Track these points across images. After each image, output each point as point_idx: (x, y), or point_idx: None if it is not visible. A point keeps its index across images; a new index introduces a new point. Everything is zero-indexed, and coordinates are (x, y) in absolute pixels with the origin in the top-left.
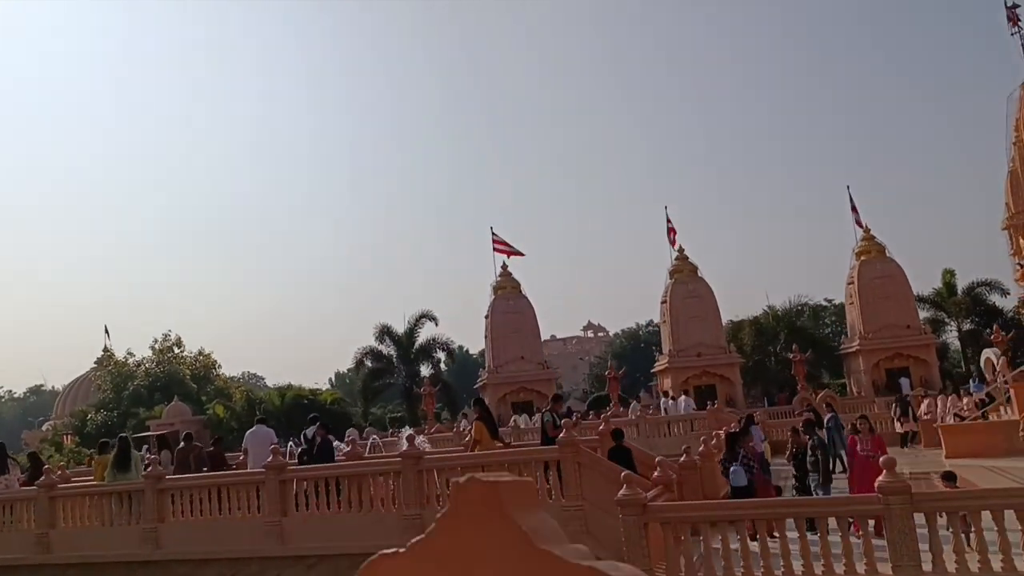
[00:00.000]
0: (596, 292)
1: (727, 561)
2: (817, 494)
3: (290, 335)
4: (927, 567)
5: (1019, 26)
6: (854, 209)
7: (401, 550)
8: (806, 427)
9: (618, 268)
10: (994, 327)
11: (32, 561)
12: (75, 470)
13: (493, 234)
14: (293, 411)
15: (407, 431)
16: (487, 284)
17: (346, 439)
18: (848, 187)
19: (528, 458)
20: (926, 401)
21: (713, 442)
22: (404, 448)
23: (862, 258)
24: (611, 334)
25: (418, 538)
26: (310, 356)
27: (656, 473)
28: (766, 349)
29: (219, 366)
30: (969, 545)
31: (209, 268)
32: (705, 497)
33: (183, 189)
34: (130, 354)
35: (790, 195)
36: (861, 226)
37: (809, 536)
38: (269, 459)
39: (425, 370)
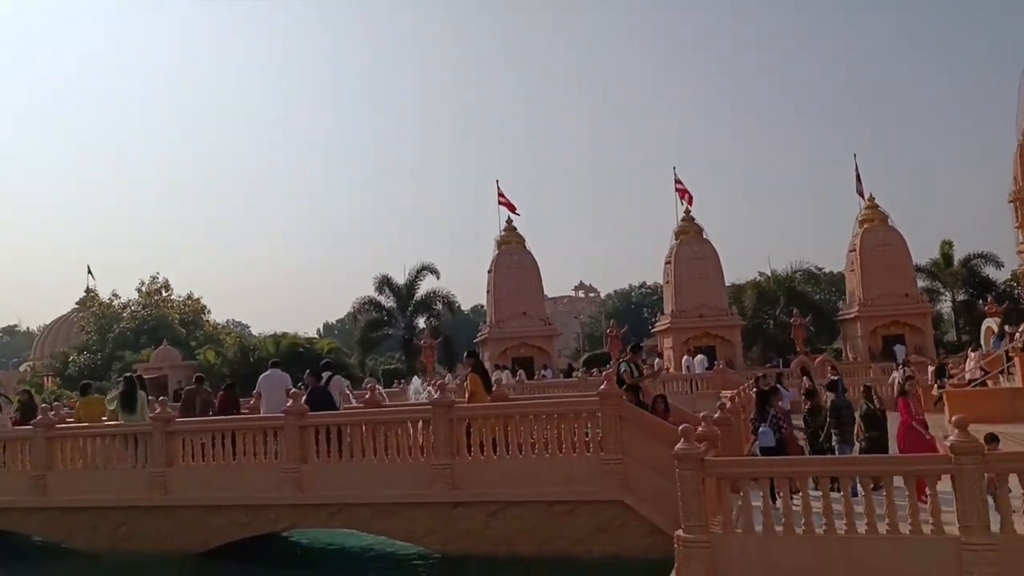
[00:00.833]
0: (588, 253)
1: (787, 519)
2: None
3: (277, 284)
4: (994, 528)
5: None
6: (858, 178)
7: None
8: (829, 387)
9: (613, 230)
10: (988, 298)
11: (27, 504)
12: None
13: (499, 187)
14: (289, 359)
15: (416, 381)
16: (490, 238)
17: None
18: (855, 156)
19: (567, 409)
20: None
21: (720, 402)
22: (414, 397)
23: (865, 226)
24: (602, 295)
25: None
26: (297, 305)
27: (700, 428)
28: (765, 312)
29: (208, 312)
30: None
31: (198, 212)
32: (732, 455)
33: (173, 128)
34: (115, 295)
35: (796, 163)
36: (864, 195)
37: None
38: (289, 403)
39: (424, 323)
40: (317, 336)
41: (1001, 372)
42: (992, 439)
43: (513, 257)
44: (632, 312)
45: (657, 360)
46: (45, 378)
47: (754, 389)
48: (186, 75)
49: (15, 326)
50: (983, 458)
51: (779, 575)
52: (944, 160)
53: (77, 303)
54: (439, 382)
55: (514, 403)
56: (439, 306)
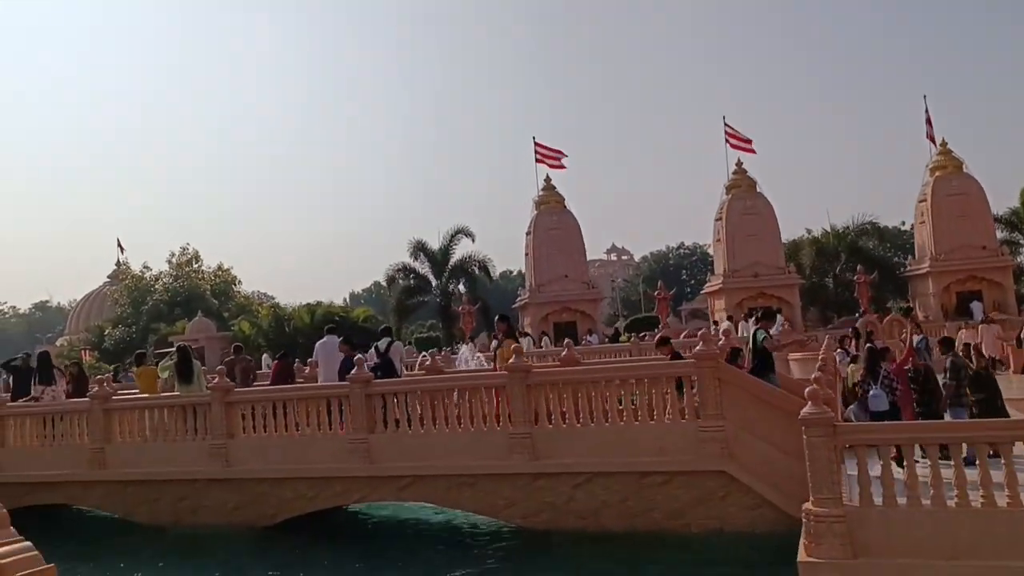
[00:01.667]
0: (621, 214)
1: (937, 490)
2: (944, 417)
3: (302, 254)
4: None
5: None
6: (929, 122)
7: None
8: (944, 345)
9: (648, 191)
10: None
11: (86, 477)
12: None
13: (536, 143)
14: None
15: (465, 349)
16: (528, 200)
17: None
18: (924, 97)
19: (658, 373)
20: None
21: (820, 364)
22: (463, 365)
23: (936, 174)
24: (636, 258)
25: None
26: (323, 276)
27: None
28: (824, 270)
29: (239, 282)
30: None
31: (222, 185)
32: None
33: (198, 102)
34: (146, 268)
35: (857, 108)
36: (935, 141)
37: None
38: (353, 371)
39: (460, 288)
40: (345, 305)
41: None
42: None
43: (553, 217)
44: (670, 274)
45: (780, 321)
46: (83, 352)
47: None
48: (213, 47)
49: (46, 302)
50: None
51: (930, 554)
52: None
53: (108, 277)
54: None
55: (599, 367)
56: (475, 271)
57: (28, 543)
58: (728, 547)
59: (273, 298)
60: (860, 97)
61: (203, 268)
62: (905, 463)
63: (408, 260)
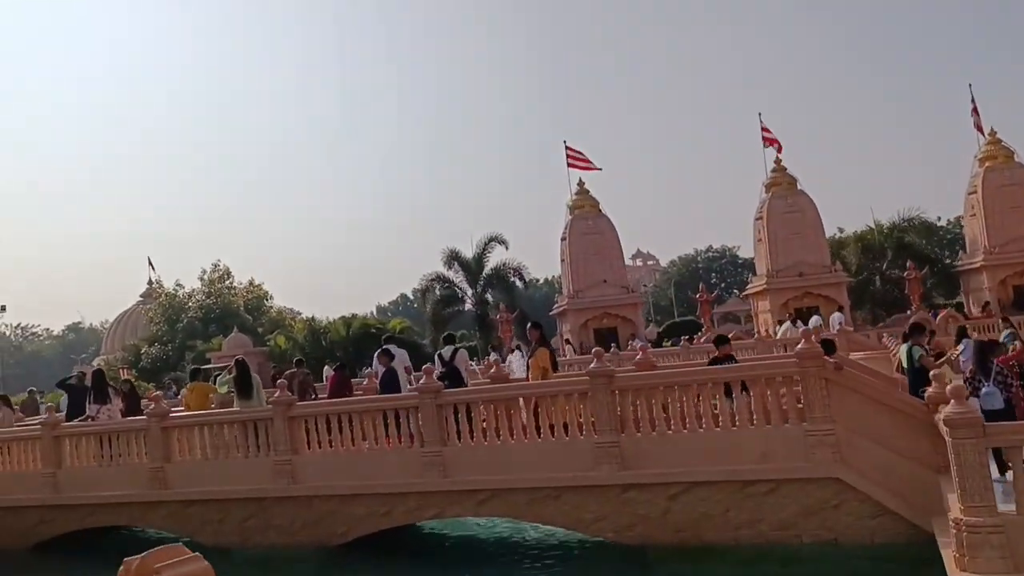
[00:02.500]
0: (645, 220)
1: None
2: None
3: (327, 268)
4: None
5: None
6: (976, 111)
7: None
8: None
9: (674, 196)
10: None
11: (147, 498)
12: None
13: (567, 148)
14: (361, 341)
15: (517, 356)
16: (561, 205)
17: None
18: (970, 86)
19: (757, 374)
20: None
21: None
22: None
23: (986, 164)
24: (661, 263)
25: None
26: (349, 289)
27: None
28: (870, 268)
29: (271, 297)
30: None
31: (247, 199)
32: None
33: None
34: (179, 285)
35: (897, 98)
36: (983, 131)
37: None
38: (422, 380)
39: (495, 297)
40: (380, 318)
41: None
42: None
43: (588, 222)
44: (699, 278)
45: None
46: (120, 370)
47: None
48: (230, 62)
49: (79, 323)
50: None
51: None
52: None
53: (141, 296)
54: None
55: (692, 370)
56: (512, 279)
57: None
58: (845, 561)
59: (299, 313)
60: (900, 88)
61: (235, 284)
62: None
63: (442, 270)
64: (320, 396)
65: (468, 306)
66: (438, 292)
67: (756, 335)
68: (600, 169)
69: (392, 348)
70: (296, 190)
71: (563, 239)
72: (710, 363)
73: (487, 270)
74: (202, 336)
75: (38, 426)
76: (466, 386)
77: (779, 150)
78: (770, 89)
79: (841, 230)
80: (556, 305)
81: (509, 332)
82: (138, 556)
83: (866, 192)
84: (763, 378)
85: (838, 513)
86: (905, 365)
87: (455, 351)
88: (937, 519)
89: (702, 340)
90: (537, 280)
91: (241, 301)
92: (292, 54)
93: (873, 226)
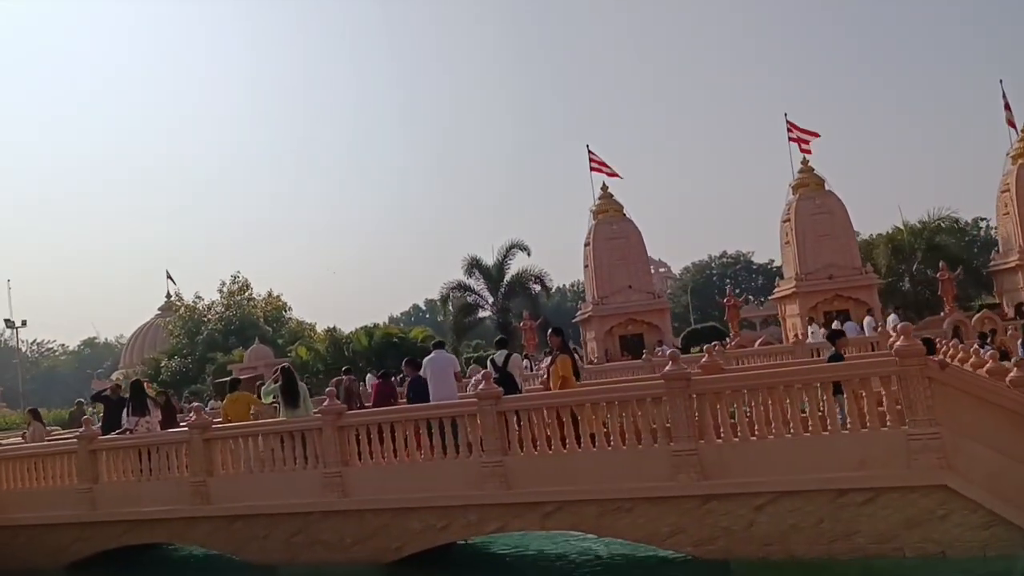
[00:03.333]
0: (655, 227)
1: None
2: None
3: (338, 280)
4: None
5: None
6: (1007, 106)
7: None
8: None
9: (686, 201)
10: None
11: (189, 513)
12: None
13: (590, 152)
14: (384, 351)
15: (546, 361)
16: (585, 210)
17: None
18: (1001, 82)
19: (852, 374)
20: None
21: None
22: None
23: (1020, 161)
24: (673, 270)
25: None
26: (360, 300)
27: None
28: (900, 269)
29: (290, 308)
30: None
31: (260, 211)
32: None
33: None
34: (199, 297)
35: (924, 95)
36: (1015, 126)
37: None
38: (481, 386)
39: (517, 305)
40: (401, 327)
41: None
42: None
43: (612, 227)
44: (713, 284)
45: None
46: (144, 383)
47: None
48: (245, 71)
49: (94, 338)
50: None
51: None
52: None
53: (160, 309)
54: None
55: (779, 370)
56: (534, 286)
57: None
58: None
59: (314, 324)
60: (927, 85)
61: (255, 295)
62: None
63: (463, 277)
64: (365, 405)
65: (489, 314)
66: (459, 300)
67: (785, 340)
68: (621, 177)
69: (443, 351)
70: (308, 201)
71: (586, 244)
72: (830, 359)
73: (508, 277)
74: (222, 348)
75: (73, 440)
76: (520, 392)
77: (807, 150)
78: (792, 87)
79: (858, 233)
80: (580, 312)
81: (533, 340)
82: None
83: (892, 192)
84: (858, 378)
85: (945, 524)
86: None
87: (508, 356)
88: None
89: (733, 345)
90: (554, 286)
91: (261, 313)
92: (304, 64)
93: (902, 226)
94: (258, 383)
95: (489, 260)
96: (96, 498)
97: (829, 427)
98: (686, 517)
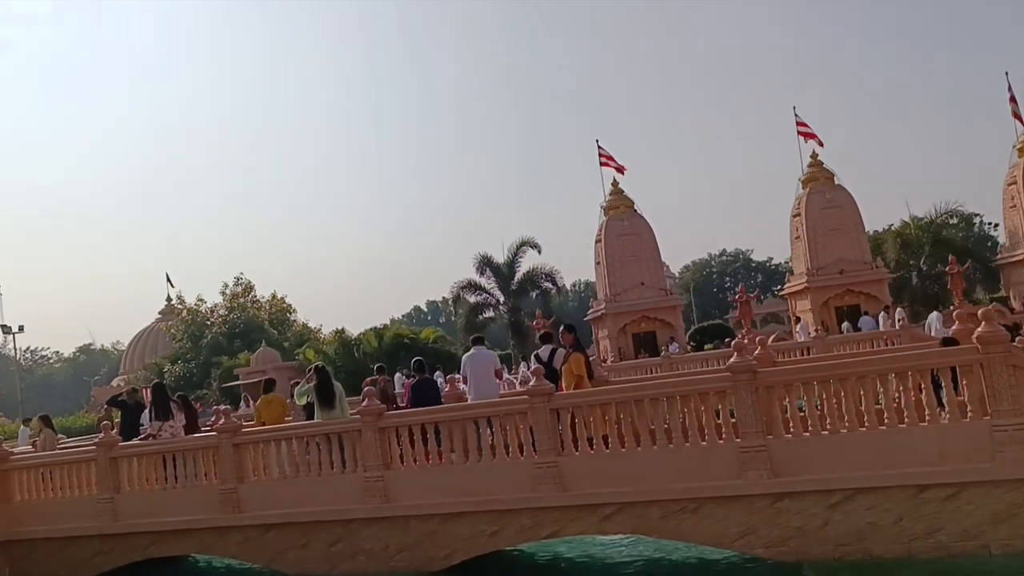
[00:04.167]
0: (656, 226)
1: None
2: None
3: (340, 283)
4: None
5: None
6: (1013, 99)
7: None
8: None
9: (685, 200)
10: None
11: (218, 523)
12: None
13: (600, 148)
14: (395, 352)
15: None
16: (595, 207)
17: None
18: (1007, 74)
19: (927, 363)
20: None
21: None
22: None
23: None
24: (671, 269)
25: None
26: (362, 302)
27: None
28: (908, 263)
29: (294, 311)
30: None
31: (262, 210)
32: None
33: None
34: (201, 300)
35: (929, 88)
36: (1022, 119)
37: None
38: (532, 383)
39: (527, 304)
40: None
41: None
42: None
43: (624, 223)
44: (714, 282)
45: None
46: (144, 390)
47: None
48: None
49: (90, 344)
50: None
51: None
52: None
53: (160, 312)
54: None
55: (852, 360)
56: (546, 284)
57: None
58: None
59: (319, 328)
60: (932, 79)
61: (258, 298)
62: None
63: (474, 276)
64: (400, 406)
65: (500, 313)
66: (470, 299)
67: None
68: (625, 171)
69: (483, 347)
70: (309, 204)
71: (597, 241)
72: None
73: (519, 275)
74: (227, 352)
75: (92, 447)
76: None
77: (820, 143)
78: (799, 82)
79: (866, 228)
80: (592, 310)
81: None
82: None
83: (899, 186)
84: (934, 368)
85: None
86: None
87: (553, 351)
88: None
89: (746, 340)
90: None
91: (265, 315)
92: (315, 63)
93: (909, 220)
94: (243, 393)
95: (499, 258)
96: (117, 508)
97: (906, 419)
98: (756, 517)
